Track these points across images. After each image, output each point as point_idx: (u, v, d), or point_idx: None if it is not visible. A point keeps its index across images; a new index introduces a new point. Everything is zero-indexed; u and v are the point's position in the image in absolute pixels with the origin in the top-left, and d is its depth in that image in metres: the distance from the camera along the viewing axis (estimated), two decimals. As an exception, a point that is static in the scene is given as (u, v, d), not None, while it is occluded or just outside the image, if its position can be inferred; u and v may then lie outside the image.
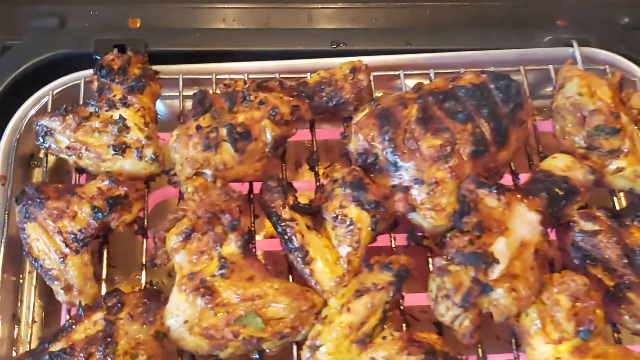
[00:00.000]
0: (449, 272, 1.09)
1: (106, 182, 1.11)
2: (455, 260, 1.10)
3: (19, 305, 1.19)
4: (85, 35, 1.35)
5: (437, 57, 1.41)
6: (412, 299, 1.31)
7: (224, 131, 1.13)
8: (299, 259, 1.11)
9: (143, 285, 1.13)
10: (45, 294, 1.20)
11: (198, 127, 1.13)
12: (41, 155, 1.33)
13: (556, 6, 1.57)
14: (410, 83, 1.41)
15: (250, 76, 1.32)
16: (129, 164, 1.15)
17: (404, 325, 1.15)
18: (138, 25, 1.52)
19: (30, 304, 1.12)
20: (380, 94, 1.37)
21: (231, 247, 1.08)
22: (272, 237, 1.37)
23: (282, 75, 1.34)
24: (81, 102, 1.27)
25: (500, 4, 1.56)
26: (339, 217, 1.13)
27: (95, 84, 1.20)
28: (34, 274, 1.13)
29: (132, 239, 1.22)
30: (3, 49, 1.52)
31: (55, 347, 1.00)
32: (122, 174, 1.15)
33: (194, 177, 1.13)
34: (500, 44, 1.46)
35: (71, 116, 1.15)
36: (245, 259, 1.08)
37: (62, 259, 1.06)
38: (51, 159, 1.33)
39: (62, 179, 1.33)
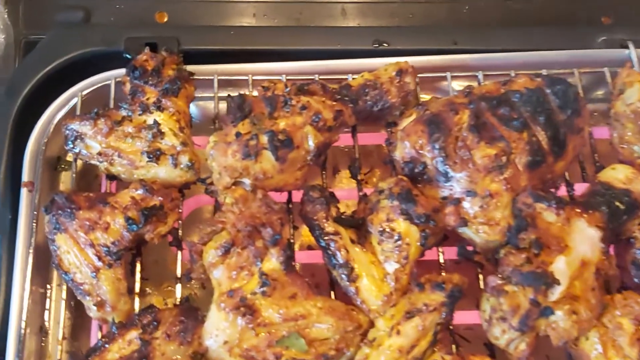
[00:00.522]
0: (506, 293, 1.02)
1: (140, 191, 1.04)
2: (512, 280, 1.02)
3: (46, 317, 1.13)
4: (114, 32, 1.29)
5: (485, 57, 1.33)
6: (458, 317, 1.24)
7: (264, 138, 1.06)
8: (343, 276, 1.04)
9: (178, 300, 1.07)
10: (73, 305, 1.14)
11: (237, 134, 1.06)
12: (69, 158, 1.27)
13: (607, 3, 1.49)
14: (456, 85, 1.34)
15: (288, 77, 1.25)
16: (163, 171, 1.08)
17: (453, 346, 1.08)
18: (165, 20, 1.46)
19: (60, 319, 1.06)
20: (425, 97, 1.30)
21: (272, 262, 1.01)
22: (309, 248, 1.30)
23: (321, 77, 1.26)
24: (112, 103, 1.20)
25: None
26: (386, 231, 1.06)
27: (128, 86, 1.13)
28: (64, 286, 1.07)
29: (162, 248, 1.16)
30: (26, 44, 1.47)
31: (88, 368, 0.94)
32: (156, 181, 1.08)
33: (233, 186, 1.06)
34: (551, 44, 1.37)
35: (103, 120, 1.09)
36: (287, 275, 1.02)
37: (94, 273, 1.00)
38: (79, 162, 1.27)
39: (90, 184, 1.27)
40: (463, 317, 1.15)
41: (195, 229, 1.26)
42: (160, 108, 1.10)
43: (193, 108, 1.37)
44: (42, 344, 1.13)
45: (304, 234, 1.28)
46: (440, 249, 1.15)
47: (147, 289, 1.24)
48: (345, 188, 1.35)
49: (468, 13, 1.47)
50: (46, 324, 1.13)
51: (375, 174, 1.38)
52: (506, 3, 1.47)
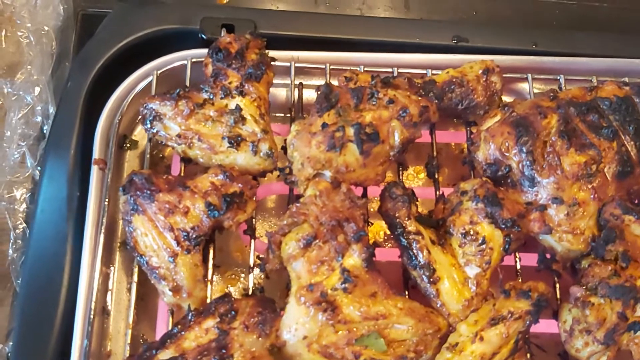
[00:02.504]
0: (592, 305, 0.99)
1: (220, 177, 1.02)
2: (599, 292, 0.99)
3: (108, 298, 1.11)
4: (190, 11, 1.25)
5: (567, 61, 1.29)
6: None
7: (351, 131, 1.03)
8: (424, 277, 1.01)
9: (250, 290, 1.04)
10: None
11: (324, 125, 1.03)
12: (134, 137, 1.24)
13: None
14: (534, 87, 1.30)
15: (366, 69, 1.22)
16: (242, 158, 1.05)
17: (528, 355, 1.05)
18: (225, 1, 1.43)
19: (122, 301, 1.04)
20: (504, 99, 1.26)
21: (354, 258, 0.98)
22: (374, 244, 1.27)
23: (400, 70, 1.23)
24: (187, 84, 1.17)
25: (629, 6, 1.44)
26: (470, 233, 1.03)
27: (210, 68, 1.10)
28: (135, 269, 1.05)
29: (226, 234, 1.12)
30: (84, 17, 1.43)
31: (164, 354, 0.92)
32: (234, 167, 1.05)
33: (315, 178, 1.03)
34: (633, 51, 1.33)
35: (184, 102, 1.06)
36: (368, 272, 0.99)
37: (172, 258, 0.98)
38: (142, 143, 1.24)
39: (156, 166, 1.24)
40: (538, 325, 1.12)
41: (260, 220, 1.25)
42: (242, 93, 1.07)
43: (263, 94, 1.35)
44: (105, 325, 1.11)
45: (371, 230, 1.24)
46: (517, 255, 1.12)
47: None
48: (413, 186, 1.32)
49: (557, 16, 1.45)
50: (108, 305, 1.10)
51: (443, 173, 1.34)
52: (593, 7, 1.43)
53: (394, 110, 1.07)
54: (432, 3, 1.51)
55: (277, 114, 1.32)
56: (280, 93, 1.30)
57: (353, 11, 1.49)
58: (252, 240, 1.08)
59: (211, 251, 1.05)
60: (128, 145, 1.24)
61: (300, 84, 1.26)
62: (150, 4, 1.33)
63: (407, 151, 1.14)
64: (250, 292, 1.05)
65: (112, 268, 1.14)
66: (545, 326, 1.07)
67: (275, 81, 1.24)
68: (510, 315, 0.97)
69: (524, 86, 1.32)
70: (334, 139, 1.02)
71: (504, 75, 1.26)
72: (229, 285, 1.18)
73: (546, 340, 1.15)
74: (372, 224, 1.15)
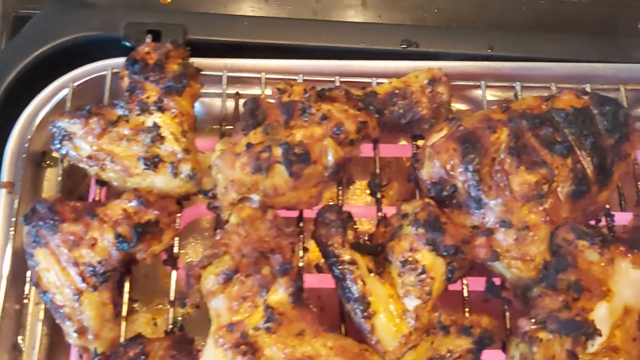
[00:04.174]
0: (539, 341, 0.91)
1: (134, 203, 0.92)
2: (549, 326, 0.91)
3: (20, 333, 1.01)
4: (113, 16, 1.15)
5: (524, 67, 1.20)
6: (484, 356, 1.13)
7: (278, 151, 0.93)
8: (358, 311, 0.93)
9: (169, 327, 0.95)
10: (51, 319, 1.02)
11: (249, 145, 0.93)
12: (55, 154, 1.14)
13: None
14: (489, 95, 1.22)
15: (305, 78, 1.12)
16: (161, 180, 0.96)
17: (473, 393, 0.97)
18: (169, 0, 1.32)
19: (35, 343, 0.94)
20: (455, 106, 1.17)
21: (279, 294, 0.89)
22: (317, 267, 1.19)
23: (342, 79, 1.13)
24: (106, 97, 1.07)
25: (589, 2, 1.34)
26: (409, 262, 0.95)
27: (126, 81, 1.00)
28: (42, 305, 0.95)
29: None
30: (16, 19, 1.33)
31: (65, 405, 0.83)
32: (151, 191, 0.96)
33: (239, 203, 0.94)
34: (596, 55, 1.25)
35: (95, 119, 0.96)
36: (296, 309, 0.90)
37: (76, 296, 0.88)
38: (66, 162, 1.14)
39: (77, 184, 1.14)
40: (487, 356, 1.04)
41: (189, 243, 1.15)
42: (161, 108, 0.97)
43: (197, 105, 1.24)
44: (17, 363, 1.01)
45: (311, 250, 1.16)
46: (464, 281, 1.03)
47: (134, 305, 1.12)
48: (359, 204, 1.23)
49: (512, 16, 1.34)
50: (20, 342, 1.00)
51: (393, 187, 1.25)
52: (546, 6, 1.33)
53: (327, 127, 0.97)
54: (392, 1, 1.41)
55: (215, 127, 1.22)
56: (215, 103, 1.20)
57: (306, 10, 1.38)
58: (174, 271, 0.99)
59: (127, 284, 0.96)
60: (48, 162, 1.14)
61: (237, 93, 1.16)
62: (77, 7, 1.22)
63: (348, 168, 1.05)
64: (171, 329, 0.96)
65: (26, 302, 1.04)
66: (500, 357, 1.00)
67: (209, 91, 1.15)
68: (449, 354, 0.89)
69: (480, 93, 1.23)
70: (260, 160, 0.93)
71: (457, 82, 1.17)
72: (155, 318, 1.09)
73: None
74: (308, 249, 1.06)
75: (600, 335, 0.90)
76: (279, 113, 0.97)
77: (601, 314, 0.92)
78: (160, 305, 1.11)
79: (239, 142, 0.94)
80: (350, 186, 1.27)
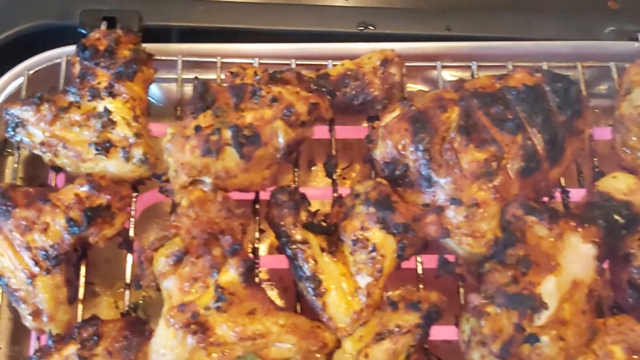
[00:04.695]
0: (487, 315, 0.92)
1: (85, 188, 0.93)
2: (496, 300, 0.93)
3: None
4: (69, 4, 1.15)
5: (479, 46, 1.20)
6: (436, 331, 1.14)
7: (228, 133, 0.94)
8: (310, 289, 0.94)
9: (125, 308, 0.97)
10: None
11: (197, 128, 0.94)
12: (13, 141, 1.15)
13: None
14: (448, 75, 1.22)
15: (261, 61, 1.13)
16: (113, 165, 0.97)
17: (426, 367, 0.99)
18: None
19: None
20: (412, 87, 1.18)
21: (230, 274, 0.91)
22: (278, 249, 1.20)
23: (298, 62, 1.14)
24: (61, 85, 1.08)
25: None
26: (360, 240, 0.96)
27: (78, 68, 1.01)
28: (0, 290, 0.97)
29: (115, 245, 1.04)
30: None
31: (19, 387, 0.85)
32: (105, 176, 0.97)
33: (190, 186, 0.95)
34: (553, 33, 1.25)
35: (47, 106, 0.97)
36: (247, 288, 0.91)
37: (30, 280, 0.90)
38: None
39: (38, 172, 1.15)
40: (441, 332, 1.06)
41: (151, 227, 1.17)
42: (112, 94, 0.98)
43: (156, 91, 1.25)
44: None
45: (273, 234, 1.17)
46: (419, 258, 1.04)
47: (97, 289, 1.14)
48: (320, 186, 1.24)
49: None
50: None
51: (354, 169, 1.26)
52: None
53: (278, 109, 0.98)
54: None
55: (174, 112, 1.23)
56: (174, 89, 1.20)
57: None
58: (130, 255, 1.00)
59: (83, 268, 0.97)
60: (9, 150, 1.15)
61: (196, 78, 1.16)
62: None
63: (309, 150, 1.07)
64: (127, 311, 0.97)
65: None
66: (454, 333, 1.01)
67: (168, 76, 1.16)
68: (398, 329, 0.91)
69: (443, 74, 1.23)
70: (209, 143, 0.94)
71: (414, 63, 1.18)
72: (117, 301, 1.11)
73: (458, 347, 1.09)
74: (265, 231, 1.07)
75: (546, 308, 0.91)
76: (229, 96, 0.98)
77: (549, 288, 0.93)
78: (121, 289, 1.12)
79: (188, 125, 0.95)
80: (313, 168, 1.29)
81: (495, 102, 1.03)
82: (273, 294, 1.20)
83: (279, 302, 1.20)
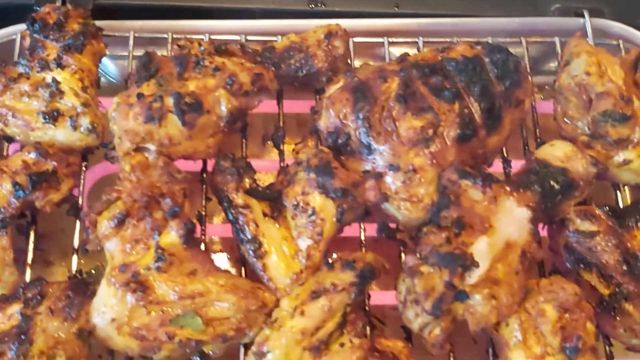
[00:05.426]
0: (420, 274, 0.95)
1: (33, 155, 0.96)
2: (429, 260, 0.96)
3: None
4: (24, -18, 1.19)
5: (426, 23, 1.24)
6: (381, 297, 1.18)
7: (170, 101, 0.98)
8: (250, 251, 0.97)
9: (73, 273, 1.00)
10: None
11: (139, 95, 0.97)
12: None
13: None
14: (397, 52, 1.25)
15: (212, 37, 1.16)
16: (61, 134, 1.00)
17: (368, 329, 1.02)
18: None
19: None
20: (360, 64, 1.21)
21: (171, 236, 0.94)
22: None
23: (249, 38, 1.18)
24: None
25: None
26: (300, 205, 0.99)
27: (28, 41, 1.04)
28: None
29: (70, 216, 1.08)
30: None
31: (-36, 344, 0.87)
32: (53, 145, 1.00)
33: (133, 152, 0.98)
34: (500, 10, 1.29)
35: (-4, 76, 1.00)
36: (188, 250, 0.95)
37: (-23, 242, 0.93)
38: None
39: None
40: (386, 298, 1.09)
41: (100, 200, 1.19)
42: (60, 65, 1.02)
43: (112, 68, 1.29)
44: None
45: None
46: (362, 226, 1.08)
47: (51, 258, 1.17)
48: (274, 159, 1.27)
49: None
50: None
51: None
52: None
53: (220, 78, 1.02)
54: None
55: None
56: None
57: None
58: (78, 221, 1.03)
59: (32, 234, 1.00)
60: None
61: (146, 52, 1.20)
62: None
63: (242, 121, 1.08)
64: (74, 275, 1.00)
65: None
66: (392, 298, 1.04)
67: (122, 53, 1.19)
68: (333, 287, 0.94)
69: (392, 50, 1.26)
70: (152, 110, 0.97)
71: (363, 40, 1.21)
72: (69, 270, 1.13)
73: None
74: (211, 199, 1.10)
75: (477, 267, 0.94)
76: (173, 66, 1.01)
77: (480, 248, 0.96)
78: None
79: (132, 93, 0.99)
80: (267, 143, 1.32)
81: (435, 72, 1.07)
82: (225, 264, 1.23)
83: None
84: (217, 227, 1.20)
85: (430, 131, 1.02)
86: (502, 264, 0.98)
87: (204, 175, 1.08)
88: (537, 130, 1.18)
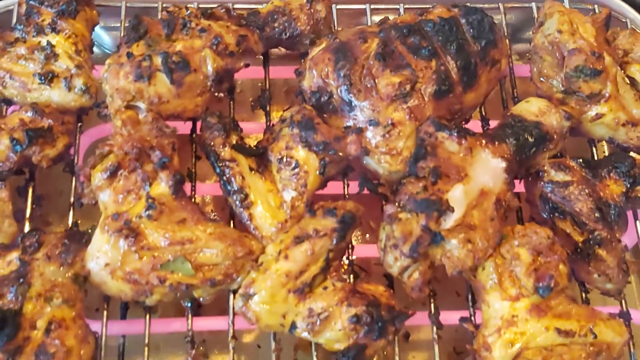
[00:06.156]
0: (399, 220, 1.00)
1: (29, 114, 1.02)
2: (407, 207, 1.00)
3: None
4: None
5: (409, -11, 1.28)
6: (366, 250, 1.23)
7: (158, 60, 1.03)
8: (237, 202, 1.02)
9: (70, 225, 1.05)
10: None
11: (129, 55, 1.02)
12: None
13: None
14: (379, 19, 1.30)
15: (201, 5, 1.21)
16: (57, 94, 1.05)
17: (351, 276, 1.06)
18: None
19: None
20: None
21: (161, 187, 0.99)
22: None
23: (237, 5, 1.23)
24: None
25: None
26: (285, 158, 1.04)
27: (24, 7, 1.10)
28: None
29: (67, 178, 1.13)
30: None
31: (-34, 286, 0.93)
32: (49, 105, 1.05)
33: (124, 109, 1.03)
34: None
35: (-6, 41, 1.05)
36: (177, 200, 0.99)
37: (-23, 195, 0.98)
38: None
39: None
40: (372, 251, 1.13)
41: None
42: (55, 30, 1.07)
43: (107, 38, 1.34)
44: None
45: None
46: (345, 182, 1.12)
47: (49, 219, 1.22)
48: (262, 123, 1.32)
49: None
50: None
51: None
52: None
53: (206, 39, 1.07)
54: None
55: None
56: (122, 36, 1.29)
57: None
58: (73, 178, 1.08)
59: (30, 190, 1.06)
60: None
61: (135, 16, 1.24)
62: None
63: (228, 82, 1.12)
64: (70, 228, 1.05)
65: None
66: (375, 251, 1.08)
67: (116, 24, 1.24)
68: (315, 233, 0.98)
69: (374, 19, 1.31)
70: (141, 69, 1.02)
71: (345, 6, 1.26)
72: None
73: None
74: (201, 158, 1.15)
75: (452, 211, 0.99)
76: (161, 27, 1.06)
77: (456, 195, 1.01)
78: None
79: (122, 54, 1.04)
80: (255, 111, 1.37)
81: (413, 33, 1.11)
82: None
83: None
84: (208, 186, 1.25)
85: (408, 87, 1.07)
86: (478, 210, 1.02)
87: (194, 136, 1.13)
88: (515, 91, 1.23)
